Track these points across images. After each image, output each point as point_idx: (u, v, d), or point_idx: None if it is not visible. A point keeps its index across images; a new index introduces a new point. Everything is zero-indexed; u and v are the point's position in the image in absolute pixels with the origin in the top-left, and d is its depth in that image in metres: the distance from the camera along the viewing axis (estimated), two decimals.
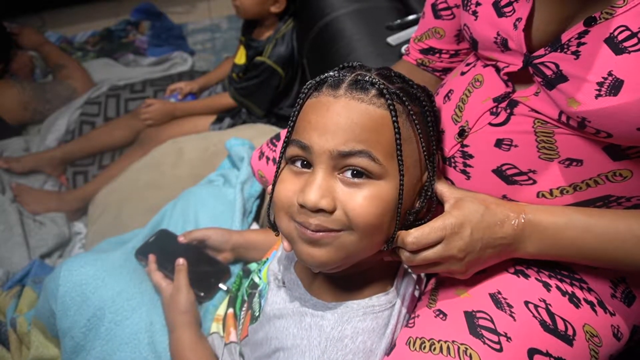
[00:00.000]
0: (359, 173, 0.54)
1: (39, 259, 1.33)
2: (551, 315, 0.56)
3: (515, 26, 0.57)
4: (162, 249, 0.87)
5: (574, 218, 0.55)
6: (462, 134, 0.63)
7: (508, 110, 0.59)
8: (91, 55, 2.15)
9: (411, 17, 1.23)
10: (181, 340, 0.75)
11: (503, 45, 0.59)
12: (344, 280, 0.62)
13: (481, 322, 0.56)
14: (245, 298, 0.75)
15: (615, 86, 0.48)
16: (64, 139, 1.72)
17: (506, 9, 0.58)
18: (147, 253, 0.86)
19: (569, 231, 0.55)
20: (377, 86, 0.55)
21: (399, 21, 1.23)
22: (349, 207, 0.53)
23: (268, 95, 1.56)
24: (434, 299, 0.62)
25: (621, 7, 0.48)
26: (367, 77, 0.55)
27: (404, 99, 0.56)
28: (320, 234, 0.54)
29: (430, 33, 0.78)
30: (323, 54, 1.32)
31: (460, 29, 0.74)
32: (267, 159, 0.89)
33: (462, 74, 0.68)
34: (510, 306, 0.57)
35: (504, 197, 0.61)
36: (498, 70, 0.61)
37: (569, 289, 0.59)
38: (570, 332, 0.56)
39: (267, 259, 0.77)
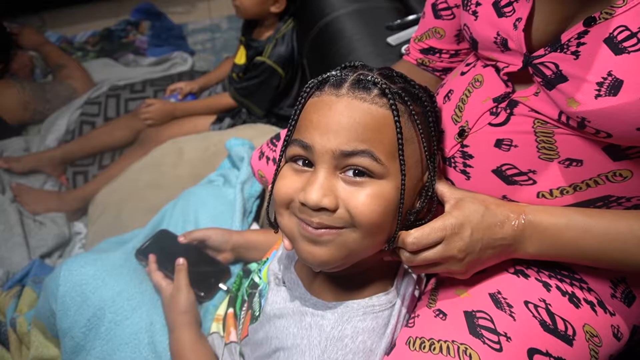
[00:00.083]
0: (360, 172, 0.54)
1: (39, 259, 1.33)
2: (551, 315, 0.56)
3: (515, 26, 0.57)
4: (162, 249, 0.87)
5: (574, 219, 0.55)
6: (462, 134, 0.63)
7: (508, 111, 0.59)
8: (91, 55, 2.15)
9: (411, 17, 1.23)
10: (181, 340, 0.75)
11: (503, 45, 0.59)
12: (344, 279, 0.62)
13: (481, 322, 0.56)
14: (246, 298, 0.75)
15: (614, 86, 0.48)
16: (64, 139, 1.72)
17: (506, 9, 0.58)
18: (147, 253, 0.86)
19: (569, 232, 0.55)
20: (379, 86, 0.55)
21: (399, 21, 1.24)
22: (352, 205, 0.53)
23: (268, 95, 1.56)
24: (434, 298, 0.62)
25: (621, 7, 0.48)
26: (369, 77, 0.55)
27: (405, 98, 0.56)
28: (322, 230, 0.54)
29: (431, 33, 0.78)
30: (323, 54, 1.32)
31: (460, 29, 0.74)
32: (267, 159, 0.89)
33: (462, 74, 0.68)
34: (510, 306, 0.57)
35: (504, 197, 0.61)
36: (498, 70, 0.61)
37: (569, 289, 0.59)
38: (570, 332, 0.56)
39: (267, 258, 0.77)
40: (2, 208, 1.46)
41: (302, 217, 0.55)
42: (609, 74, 0.49)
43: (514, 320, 0.56)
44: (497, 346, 0.54)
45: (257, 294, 0.72)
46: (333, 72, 0.58)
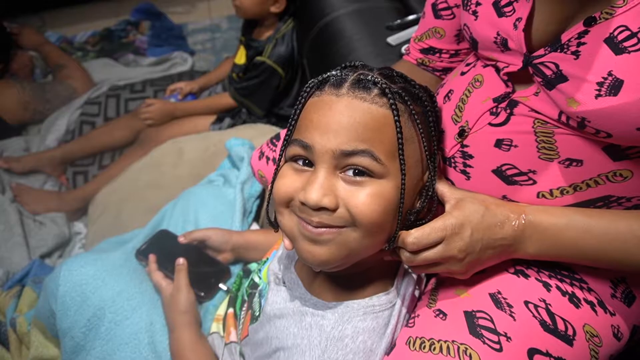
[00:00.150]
0: (360, 172, 0.54)
1: (39, 259, 1.33)
2: (551, 315, 0.56)
3: (515, 26, 0.57)
4: (162, 249, 0.87)
5: (574, 219, 0.55)
6: (462, 134, 0.63)
7: (508, 111, 0.59)
8: (91, 55, 2.15)
9: (411, 17, 1.23)
10: (181, 340, 0.75)
11: (503, 45, 0.59)
12: (344, 279, 0.62)
13: (481, 322, 0.56)
14: (246, 298, 0.75)
15: (615, 86, 0.48)
16: (64, 139, 1.72)
17: (506, 9, 0.58)
18: (147, 253, 0.86)
19: (569, 232, 0.55)
20: (379, 86, 0.55)
21: (399, 21, 1.24)
22: (352, 204, 0.53)
23: (268, 95, 1.56)
24: (434, 298, 0.62)
25: (621, 7, 0.48)
26: (369, 77, 0.55)
27: (406, 98, 0.56)
28: (322, 229, 0.54)
29: (431, 33, 0.78)
30: (323, 54, 1.32)
31: (460, 28, 0.74)
32: (267, 158, 0.89)
33: (462, 74, 0.68)
34: (510, 306, 0.57)
35: (504, 197, 0.61)
36: (498, 70, 0.61)
37: (569, 289, 0.59)
38: (570, 332, 0.56)
39: (267, 258, 0.77)
40: (2, 208, 1.46)
41: (302, 216, 0.55)
42: (609, 74, 0.49)
43: (514, 320, 0.56)
44: (497, 346, 0.54)
45: (257, 294, 0.72)
46: (333, 72, 0.58)
